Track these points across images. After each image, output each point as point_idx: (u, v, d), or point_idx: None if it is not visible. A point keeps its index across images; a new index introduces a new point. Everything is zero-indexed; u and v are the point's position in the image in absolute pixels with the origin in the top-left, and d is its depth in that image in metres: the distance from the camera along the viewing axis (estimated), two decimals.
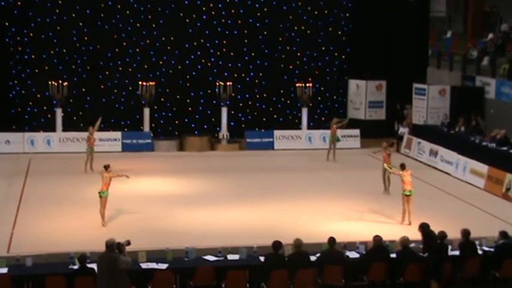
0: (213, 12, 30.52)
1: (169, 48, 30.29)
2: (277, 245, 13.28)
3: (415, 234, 14.55)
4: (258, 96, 31.21)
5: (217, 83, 29.42)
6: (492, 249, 14.50)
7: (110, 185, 17.96)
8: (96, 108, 29.03)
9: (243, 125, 30.45)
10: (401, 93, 30.19)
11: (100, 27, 29.74)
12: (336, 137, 26.70)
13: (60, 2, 29.36)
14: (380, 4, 31.20)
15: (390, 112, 31.05)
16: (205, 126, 30.55)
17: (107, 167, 18.16)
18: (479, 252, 14.41)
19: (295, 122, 30.66)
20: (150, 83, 28.94)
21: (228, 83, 29.30)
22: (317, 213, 19.34)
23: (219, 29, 30.65)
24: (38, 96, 29.26)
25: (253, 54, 31.06)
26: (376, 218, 18.99)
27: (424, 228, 14.18)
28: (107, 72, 29.96)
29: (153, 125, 29.35)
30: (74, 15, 29.54)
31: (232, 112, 30.19)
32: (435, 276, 13.65)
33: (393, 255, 13.95)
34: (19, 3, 29.09)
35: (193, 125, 30.58)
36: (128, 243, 12.42)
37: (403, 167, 18.96)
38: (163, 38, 30.13)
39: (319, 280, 13.33)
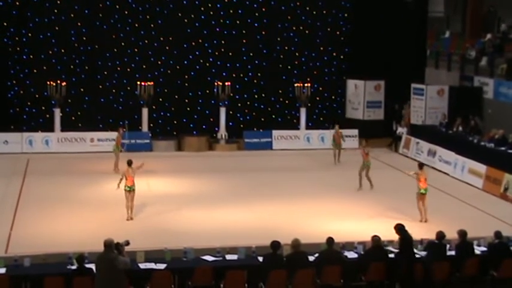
0: (211, 12, 30.49)
1: (167, 48, 30.27)
2: (275, 245, 13.26)
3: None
4: (256, 96, 31.19)
5: (216, 83, 29.40)
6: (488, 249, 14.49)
7: (134, 180, 18.54)
8: (94, 108, 29.02)
9: (242, 125, 30.42)
10: (399, 93, 30.21)
11: (98, 27, 29.70)
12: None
13: (58, 2, 29.33)
14: (378, 4, 31.19)
15: (389, 112, 31.06)
16: (203, 127, 30.52)
17: (130, 163, 18.62)
18: (477, 252, 14.41)
19: (294, 122, 30.66)
20: (149, 83, 28.91)
21: (226, 83, 29.28)
22: (315, 213, 19.34)
23: (217, 29, 30.63)
24: (37, 96, 29.21)
25: (251, 54, 31.04)
26: (375, 218, 18.97)
27: (399, 229, 13.80)
28: (105, 72, 29.92)
29: (151, 125, 29.33)
30: (72, 15, 29.50)
31: (231, 112, 30.19)
32: (400, 279, 13.51)
33: (391, 256, 13.94)
34: (17, 3, 29.07)
35: (191, 125, 30.54)
36: (127, 243, 12.40)
37: (421, 166, 19.16)
38: (161, 38, 30.11)
39: (317, 280, 13.32)
